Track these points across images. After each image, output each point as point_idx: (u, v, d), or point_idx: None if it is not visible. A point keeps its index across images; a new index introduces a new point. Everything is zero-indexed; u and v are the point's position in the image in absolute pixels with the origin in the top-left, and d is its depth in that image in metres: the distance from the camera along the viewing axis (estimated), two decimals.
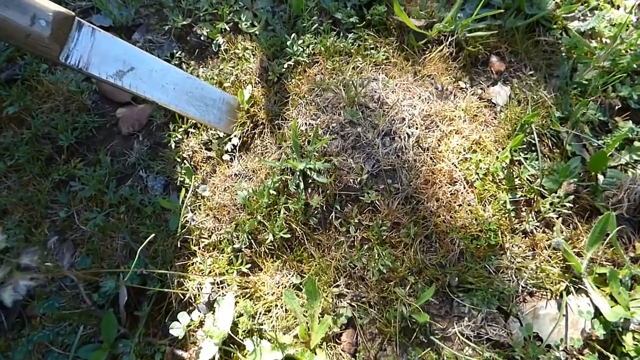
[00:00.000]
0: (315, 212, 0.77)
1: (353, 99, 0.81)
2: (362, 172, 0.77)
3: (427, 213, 0.77)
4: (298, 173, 0.76)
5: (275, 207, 0.76)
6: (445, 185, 0.79)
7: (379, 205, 0.76)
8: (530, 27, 0.94)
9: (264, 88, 0.86)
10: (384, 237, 0.75)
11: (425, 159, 0.80)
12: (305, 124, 0.82)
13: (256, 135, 0.83)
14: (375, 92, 0.84)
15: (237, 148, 0.82)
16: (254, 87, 0.86)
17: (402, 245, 0.76)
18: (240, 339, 0.68)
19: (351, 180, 0.77)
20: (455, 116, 0.84)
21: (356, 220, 0.76)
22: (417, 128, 0.82)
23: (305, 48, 0.88)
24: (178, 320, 0.70)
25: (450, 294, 0.75)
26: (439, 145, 0.82)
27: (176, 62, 0.88)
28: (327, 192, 0.77)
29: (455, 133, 0.83)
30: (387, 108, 0.83)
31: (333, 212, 0.77)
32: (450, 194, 0.79)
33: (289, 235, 0.75)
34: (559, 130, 0.84)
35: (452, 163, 0.80)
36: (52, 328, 0.72)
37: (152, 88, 0.73)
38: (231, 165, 0.81)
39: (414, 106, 0.84)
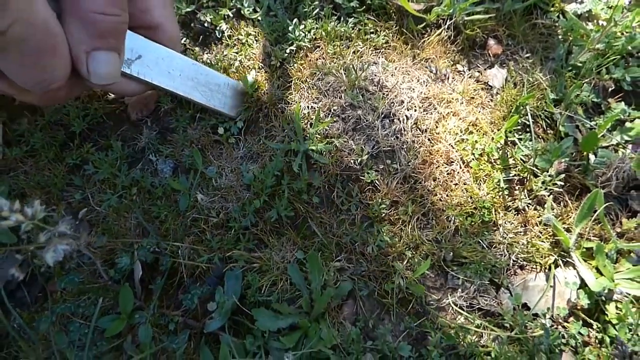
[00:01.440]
0: (318, 191, 0.81)
1: (353, 83, 0.84)
2: (362, 153, 0.80)
3: (424, 192, 0.81)
4: (301, 154, 0.80)
5: (280, 187, 0.80)
6: (442, 165, 0.83)
7: (378, 185, 0.80)
8: (528, 10, 0.95)
9: (267, 73, 0.89)
10: (383, 215, 0.80)
11: (423, 140, 0.83)
12: (308, 107, 0.85)
13: (260, 119, 0.87)
14: (375, 75, 0.87)
15: (243, 131, 0.86)
16: (258, 72, 0.89)
17: (400, 222, 0.80)
18: (248, 309, 0.74)
19: (352, 161, 0.80)
20: (452, 99, 0.87)
21: (357, 200, 0.80)
22: (415, 110, 0.85)
23: (306, 33, 0.90)
24: (190, 293, 0.75)
25: (445, 267, 0.79)
26: (437, 127, 0.85)
27: (181, 49, 0.90)
28: (329, 172, 0.81)
29: (453, 115, 0.86)
30: (387, 91, 0.86)
31: (335, 191, 0.80)
32: (447, 174, 0.82)
33: (292, 214, 0.79)
34: (553, 111, 0.87)
35: (449, 144, 0.84)
36: (72, 301, 0.77)
37: (159, 75, 0.75)
38: (237, 148, 0.85)
39: (413, 89, 0.87)
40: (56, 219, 0.50)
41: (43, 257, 0.45)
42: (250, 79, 0.84)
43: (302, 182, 0.79)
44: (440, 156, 0.83)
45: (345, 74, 0.85)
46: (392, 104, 0.84)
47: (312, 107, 0.85)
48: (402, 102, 0.85)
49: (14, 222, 0.44)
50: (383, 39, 0.91)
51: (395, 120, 0.84)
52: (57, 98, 0.72)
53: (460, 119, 0.86)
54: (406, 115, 0.84)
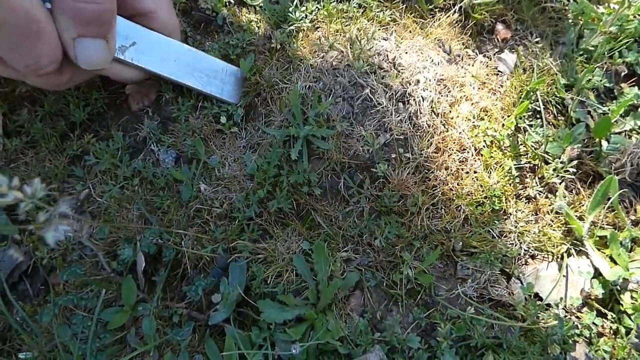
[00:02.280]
0: (320, 182, 0.78)
1: (358, 56, 0.79)
2: (374, 143, 0.75)
3: (436, 182, 0.78)
4: (300, 140, 0.77)
5: (280, 177, 0.77)
6: (455, 152, 0.80)
7: (389, 176, 0.77)
8: None
9: (267, 56, 0.87)
10: (393, 207, 0.77)
11: (437, 124, 0.80)
12: (307, 87, 0.81)
13: (259, 104, 0.84)
14: (387, 51, 0.83)
15: (244, 119, 0.84)
16: (258, 56, 0.87)
17: (409, 214, 0.78)
18: (253, 301, 0.72)
19: (361, 149, 0.76)
20: (465, 82, 0.84)
21: (368, 192, 0.77)
22: (431, 92, 0.80)
23: (307, 15, 0.88)
24: (194, 285, 0.73)
25: (454, 257, 0.77)
26: (451, 112, 0.81)
27: (180, 36, 0.89)
28: (332, 159, 0.78)
29: (466, 99, 0.83)
30: (401, 69, 0.81)
31: (342, 182, 0.78)
32: (459, 162, 0.79)
33: (293, 206, 0.77)
34: (564, 97, 0.85)
35: (463, 130, 0.81)
36: (75, 294, 0.76)
37: (154, 61, 0.77)
38: (240, 137, 0.83)
39: (428, 69, 0.82)
40: (56, 198, 0.48)
41: (43, 236, 0.43)
42: (248, 63, 0.82)
43: (300, 173, 0.76)
44: (454, 143, 0.79)
45: (350, 46, 0.81)
46: (407, 84, 0.79)
47: (311, 87, 0.80)
48: (418, 81, 0.80)
49: (12, 200, 0.43)
50: (390, 16, 0.87)
51: (410, 101, 0.79)
52: (61, 83, 0.74)
53: (473, 104, 0.83)
54: (422, 97, 0.79)
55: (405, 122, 0.77)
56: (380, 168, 0.75)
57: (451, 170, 0.79)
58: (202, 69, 0.80)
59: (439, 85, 0.82)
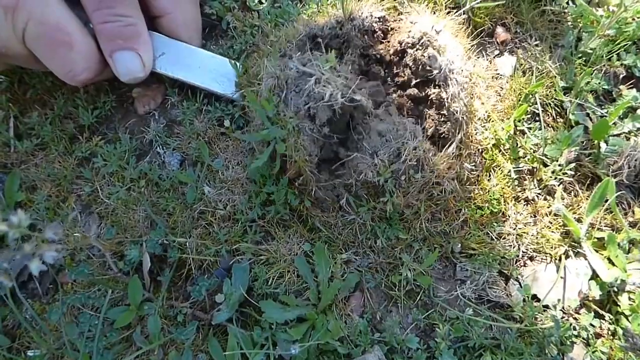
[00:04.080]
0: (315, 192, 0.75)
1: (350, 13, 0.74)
2: (385, 172, 0.68)
3: (442, 194, 0.75)
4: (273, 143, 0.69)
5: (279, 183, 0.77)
6: (467, 161, 0.78)
7: (394, 194, 0.72)
8: None
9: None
10: (394, 218, 0.77)
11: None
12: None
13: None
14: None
15: (247, 122, 0.86)
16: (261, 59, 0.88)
17: (409, 221, 0.78)
18: (255, 301, 0.74)
19: (370, 174, 0.69)
20: (474, 83, 0.83)
21: (370, 205, 0.74)
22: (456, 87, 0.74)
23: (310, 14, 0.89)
24: (198, 285, 0.75)
25: (453, 259, 0.78)
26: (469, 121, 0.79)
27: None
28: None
29: (477, 98, 0.84)
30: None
31: (344, 199, 0.74)
32: (469, 171, 0.78)
33: (285, 214, 0.78)
34: (562, 99, 0.86)
35: (476, 137, 0.80)
36: (83, 293, 0.78)
37: (180, 69, 0.83)
38: (243, 140, 0.85)
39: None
40: (45, 224, 0.50)
41: (29, 266, 0.45)
42: (239, 64, 0.83)
43: (281, 192, 0.73)
44: (467, 154, 0.78)
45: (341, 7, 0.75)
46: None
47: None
48: (452, 71, 0.73)
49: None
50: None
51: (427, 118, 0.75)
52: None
53: (482, 103, 0.84)
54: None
55: (419, 149, 0.69)
56: (388, 188, 0.70)
57: (461, 181, 0.78)
58: (225, 73, 0.84)
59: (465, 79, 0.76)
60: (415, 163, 0.70)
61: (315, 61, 0.66)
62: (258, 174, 0.78)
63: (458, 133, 0.76)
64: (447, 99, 0.73)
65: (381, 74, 0.79)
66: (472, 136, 0.80)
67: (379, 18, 0.78)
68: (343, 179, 0.72)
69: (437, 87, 0.74)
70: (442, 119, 0.75)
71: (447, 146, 0.75)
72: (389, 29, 0.80)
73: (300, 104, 0.66)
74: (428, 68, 0.73)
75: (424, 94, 0.75)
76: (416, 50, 0.74)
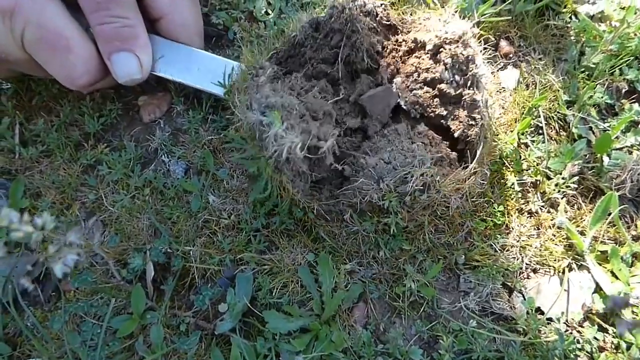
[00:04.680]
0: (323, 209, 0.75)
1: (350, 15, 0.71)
2: (391, 196, 0.67)
3: (446, 209, 0.74)
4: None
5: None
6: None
7: (398, 214, 0.71)
8: (540, 11, 0.95)
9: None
10: (398, 229, 0.76)
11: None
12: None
13: None
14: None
15: None
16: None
17: (413, 232, 0.78)
18: (258, 311, 0.74)
19: (375, 196, 0.68)
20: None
21: (374, 220, 0.74)
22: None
23: None
24: (201, 294, 0.75)
25: (457, 270, 0.78)
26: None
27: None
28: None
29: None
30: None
31: (348, 215, 0.74)
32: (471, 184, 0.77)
33: (289, 224, 0.78)
34: (565, 113, 0.86)
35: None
36: (85, 301, 0.78)
37: (179, 71, 0.81)
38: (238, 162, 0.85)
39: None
40: (65, 228, 0.51)
41: (52, 268, 0.46)
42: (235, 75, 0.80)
43: (285, 205, 0.72)
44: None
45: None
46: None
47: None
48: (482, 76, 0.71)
49: (24, 234, 0.45)
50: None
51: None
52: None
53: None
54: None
55: (427, 175, 0.68)
56: (392, 209, 0.69)
57: (467, 198, 0.76)
58: (223, 74, 0.82)
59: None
60: (422, 187, 0.67)
61: (278, 98, 0.60)
62: (258, 202, 0.77)
63: (481, 143, 0.73)
64: (481, 102, 0.71)
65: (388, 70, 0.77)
66: (492, 148, 0.78)
67: (381, 4, 0.78)
68: (346, 199, 0.70)
69: (470, 88, 0.71)
70: (471, 122, 0.72)
71: (472, 158, 0.72)
72: (391, 25, 0.79)
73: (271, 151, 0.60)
74: (463, 68, 0.71)
75: (456, 92, 0.72)
76: (456, 47, 0.71)
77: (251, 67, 0.67)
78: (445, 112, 0.72)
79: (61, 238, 0.50)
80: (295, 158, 0.58)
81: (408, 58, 0.77)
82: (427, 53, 0.74)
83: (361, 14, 0.74)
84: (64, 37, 0.70)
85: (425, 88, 0.74)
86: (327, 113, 0.64)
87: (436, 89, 0.73)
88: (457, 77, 0.71)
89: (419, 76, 0.74)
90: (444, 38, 0.72)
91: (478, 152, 0.72)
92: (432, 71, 0.73)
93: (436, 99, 0.74)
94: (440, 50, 0.72)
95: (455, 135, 0.73)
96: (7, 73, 0.85)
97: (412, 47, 0.76)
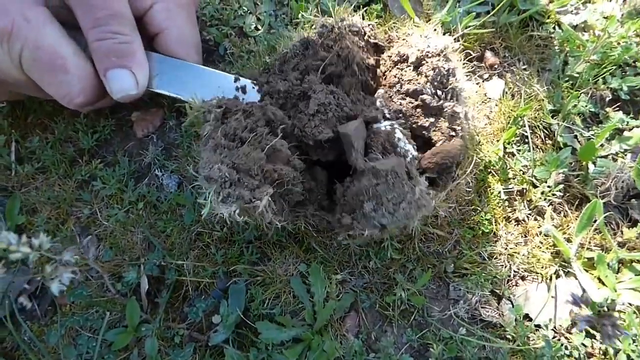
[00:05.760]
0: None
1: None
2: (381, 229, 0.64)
3: (435, 219, 0.77)
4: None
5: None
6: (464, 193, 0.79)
7: (393, 239, 0.74)
8: (524, 22, 0.97)
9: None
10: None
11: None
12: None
13: None
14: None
15: None
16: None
17: (403, 242, 0.80)
18: (252, 322, 0.75)
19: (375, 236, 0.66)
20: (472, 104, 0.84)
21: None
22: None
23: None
24: (195, 306, 0.76)
25: (446, 279, 0.80)
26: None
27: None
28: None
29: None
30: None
31: (342, 238, 0.72)
32: (465, 202, 0.80)
33: (281, 236, 0.79)
34: (550, 122, 0.88)
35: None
36: (81, 314, 0.79)
37: (177, 87, 0.81)
38: None
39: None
40: (61, 248, 0.53)
41: (49, 287, 0.47)
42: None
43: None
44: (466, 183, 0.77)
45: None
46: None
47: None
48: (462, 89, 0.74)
49: (22, 255, 0.47)
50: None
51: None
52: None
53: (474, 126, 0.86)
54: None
55: (423, 198, 0.66)
56: (388, 240, 0.71)
57: (457, 210, 0.79)
58: (223, 88, 0.81)
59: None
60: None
61: (216, 170, 0.60)
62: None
63: (463, 155, 0.75)
64: (461, 113, 0.73)
65: (375, 85, 0.79)
66: (472, 157, 0.79)
67: (368, 24, 0.80)
68: (345, 230, 0.68)
69: (451, 100, 0.73)
70: (452, 134, 0.74)
71: (457, 172, 0.74)
72: (378, 45, 0.82)
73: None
74: (444, 80, 0.73)
75: (437, 104, 0.74)
76: (437, 60, 0.73)
77: (199, 107, 0.69)
78: (427, 124, 0.74)
79: (57, 257, 0.52)
80: (238, 219, 0.60)
81: (391, 71, 0.79)
82: (410, 66, 0.76)
83: (350, 33, 0.76)
84: (61, 56, 0.71)
85: (408, 99, 0.76)
86: (262, 168, 0.63)
87: (418, 100, 0.74)
88: (438, 90, 0.73)
89: (401, 87, 0.76)
90: (426, 51, 0.74)
91: (461, 162, 0.74)
92: (414, 82, 0.75)
93: (418, 110, 0.75)
94: (423, 63, 0.74)
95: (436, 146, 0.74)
96: (7, 95, 0.86)
97: (396, 60, 0.78)
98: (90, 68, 0.75)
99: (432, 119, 0.74)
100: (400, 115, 0.75)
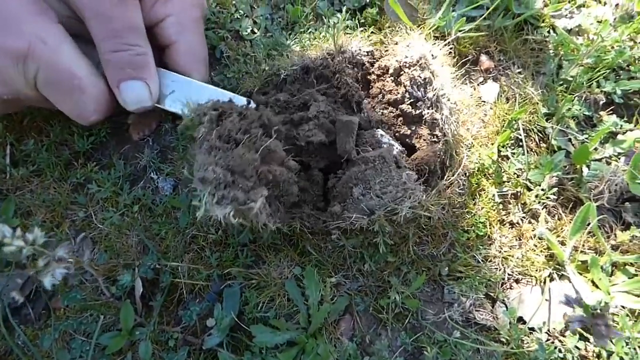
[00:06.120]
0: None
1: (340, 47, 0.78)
2: (380, 220, 0.67)
3: (428, 221, 0.77)
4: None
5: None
6: (456, 195, 0.80)
7: (386, 234, 0.73)
8: (519, 26, 0.98)
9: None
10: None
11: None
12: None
13: None
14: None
15: None
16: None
17: (397, 245, 0.80)
18: (246, 325, 0.75)
19: (365, 222, 0.70)
20: (459, 109, 0.86)
21: (360, 238, 0.76)
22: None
23: (300, 45, 0.92)
24: (189, 309, 0.76)
25: (441, 282, 0.80)
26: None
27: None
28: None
29: (462, 124, 0.86)
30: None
31: (336, 235, 0.76)
32: (458, 202, 0.80)
33: (276, 239, 0.79)
34: (545, 125, 0.88)
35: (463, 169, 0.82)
36: (75, 318, 0.79)
37: (182, 104, 0.77)
38: None
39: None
40: (55, 244, 0.52)
41: (41, 281, 0.47)
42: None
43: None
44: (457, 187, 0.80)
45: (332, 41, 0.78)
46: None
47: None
48: (443, 95, 0.76)
49: (15, 249, 0.47)
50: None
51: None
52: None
53: (467, 129, 0.87)
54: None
55: (410, 182, 0.70)
56: (381, 229, 0.71)
57: (449, 206, 0.79)
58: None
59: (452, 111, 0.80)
60: (412, 214, 0.68)
61: (210, 172, 0.60)
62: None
63: (449, 157, 0.78)
64: (440, 120, 0.75)
65: (367, 104, 0.82)
66: (461, 160, 0.82)
67: (367, 52, 0.81)
68: (335, 223, 0.71)
69: (430, 108, 0.76)
70: (434, 140, 0.77)
71: (446, 174, 0.76)
72: (376, 61, 0.84)
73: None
74: (422, 89, 0.75)
75: (417, 112, 0.77)
76: (414, 70, 0.76)
77: (195, 109, 0.69)
78: (409, 132, 0.76)
79: (50, 253, 0.52)
80: (232, 221, 0.60)
81: (376, 82, 0.82)
82: (391, 76, 0.79)
83: (349, 66, 0.79)
84: (77, 77, 0.71)
85: (390, 108, 0.79)
86: (256, 169, 0.63)
87: (398, 109, 0.77)
88: (417, 99, 0.76)
89: (383, 97, 0.80)
90: (404, 62, 0.76)
91: (448, 165, 0.76)
92: (394, 93, 0.79)
93: (400, 119, 0.78)
94: (401, 73, 0.77)
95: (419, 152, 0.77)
96: (16, 109, 0.87)
97: (378, 73, 0.81)
98: (103, 86, 0.75)
99: (413, 127, 0.77)
100: (383, 124, 0.77)
